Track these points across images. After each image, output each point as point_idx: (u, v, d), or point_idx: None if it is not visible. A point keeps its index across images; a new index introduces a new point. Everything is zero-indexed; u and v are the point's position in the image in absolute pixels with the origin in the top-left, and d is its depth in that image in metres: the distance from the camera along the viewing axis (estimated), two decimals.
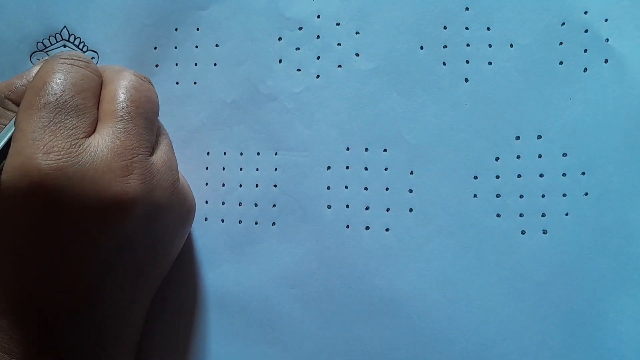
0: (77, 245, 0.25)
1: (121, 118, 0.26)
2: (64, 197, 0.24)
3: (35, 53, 0.34)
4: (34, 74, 0.27)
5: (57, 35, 0.34)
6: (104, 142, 0.25)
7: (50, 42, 0.34)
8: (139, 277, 0.28)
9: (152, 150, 0.28)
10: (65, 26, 0.34)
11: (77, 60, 0.27)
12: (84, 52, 0.34)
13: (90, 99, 0.26)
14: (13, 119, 0.26)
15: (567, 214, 0.30)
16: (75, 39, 0.34)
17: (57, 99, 0.25)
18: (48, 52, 0.34)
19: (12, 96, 0.27)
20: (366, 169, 0.31)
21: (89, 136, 0.25)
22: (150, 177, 0.26)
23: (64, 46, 0.34)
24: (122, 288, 0.27)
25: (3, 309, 0.25)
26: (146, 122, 0.27)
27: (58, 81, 0.25)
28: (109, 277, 0.26)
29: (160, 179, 0.27)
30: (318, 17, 0.32)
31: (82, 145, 0.24)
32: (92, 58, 0.34)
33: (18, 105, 0.27)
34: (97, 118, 0.26)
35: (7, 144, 0.25)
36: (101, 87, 0.28)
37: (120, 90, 0.27)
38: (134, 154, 0.26)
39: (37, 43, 0.34)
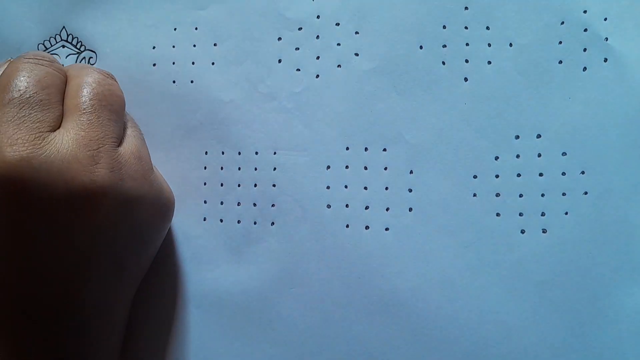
0: (50, 239, 0.25)
1: (84, 111, 0.27)
2: (31, 188, 0.24)
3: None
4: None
5: (57, 36, 0.34)
6: (68, 135, 0.26)
7: (51, 44, 0.34)
8: (118, 272, 0.28)
9: (120, 142, 0.28)
10: (64, 27, 0.34)
11: (40, 59, 0.27)
12: (82, 52, 0.34)
13: (55, 94, 0.27)
14: None
15: (566, 213, 0.30)
16: (73, 39, 0.34)
17: (20, 95, 0.25)
18: (48, 53, 0.34)
19: None
20: (366, 168, 0.31)
21: (54, 130, 0.26)
22: (118, 167, 0.26)
23: (63, 47, 0.34)
24: (103, 283, 0.27)
25: None
26: (110, 114, 0.28)
27: (22, 78, 0.26)
28: (87, 272, 0.26)
29: (129, 169, 0.27)
30: (318, 17, 0.32)
31: (47, 138, 0.25)
32: (90, 58, 0.34)
33: None
34: (62, 114, 0.27)
35: None
36: (65, 85, 0.28)
37: (83, 85, 0.28)
38: (100, 144, 0.26)
39: (38, 45, 0.34)
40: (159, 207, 0.30)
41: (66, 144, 0.25)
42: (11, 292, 0.25)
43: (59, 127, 0.26)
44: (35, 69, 0.27)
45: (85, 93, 0.27)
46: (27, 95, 0.26)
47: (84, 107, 0.27)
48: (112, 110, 0.28)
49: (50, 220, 0.24)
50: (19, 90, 0.26)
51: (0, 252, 0.25)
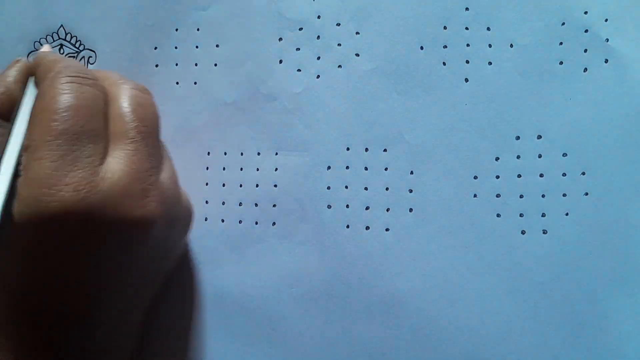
0: (92, 269, 0.24)
1: (132, 139, 0.26)
2: (86, 227, 0.23)
3: (33, 53, 0.34)
4: (10, 80, 0.27)
5: (55, 34, 0.34)
6: (119, 167, 0.25)
7: (48, 42, 0.34)
8: (142, 287, 0.28)
9: (160, 167, 0.28)
10: (62, 25, 0.34)
11: (84, 77, 0.26)
12: (81, 52, 0.34)
13: (102, 121, 0.26)
14: (21, 139, 0.25)
15: (567, 214, 0.30)
16: (72, 37, 0.34)
17: (72, 126, 0.24)
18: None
19: None
20: (366, 169, 0.31)
21: (104, 161, 0.25)
22: (163, 197, 0.26)
23: (61, 45, 0.34)
24: (127, 298, 0.27)
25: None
26: (154, 139, 0.27)
27: (69, 105, 0.24)
28: (114, 291, 0.26)
29: (169, 195, 0.27)
30: (318, 17, 0.32)
31: (100, 173, 0.24)
32: (90, 57, 0.34)
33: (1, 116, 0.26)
34: (109, 140, 0.26)
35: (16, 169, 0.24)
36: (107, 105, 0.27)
37: (127, 108, 0.27)
38: (149, 175, 0.26)
39: (35, 43, 0.34)
40: (187, 223, 0.30)
41: (119, 177, 0.24)
42: (31, 308, 0.25)
43: (107, 153, 0.25)
44: (81, 90, 0.25)
45: (131, 119, 0.26)
46: (80, 125, 0.24)
47: (131, 134, 0.26)
48: (155, 136, 0.27)
49: (98, 255, 0.24)
50: (69, 119, 0.24)
51: (35, 284, 0.24)
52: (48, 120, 0.24)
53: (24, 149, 0.24)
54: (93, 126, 0.25)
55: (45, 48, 0.32)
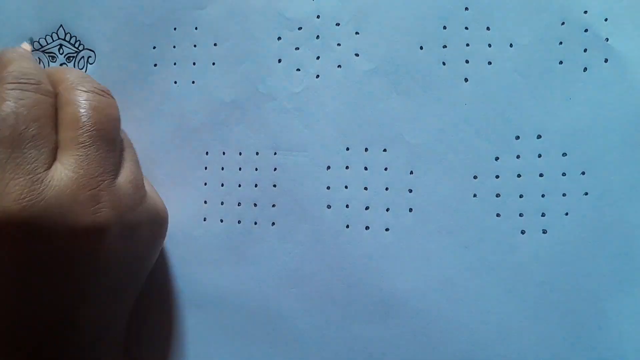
0: (50, 276, 0.24)
1: (82, 144, 0.25)
2: (32, 235, 0.23)
3: (32, 52, 0.34)
4: None
5: (54, 34, 0.34)
6: (66, 174, 0.24)
7: (47, 42, 0.34)
8: (117, 293, 0.28)
9: (117, 171, 0.27)
10: (61, 25, 0.34)
11: (25, 82, 0.25)
12: (81, 51, 0.34)
13: (47, 125, 0.25)
14: None
15: (567, 214, 0.30)
16: (71, 37, 0.34)
17: (11, 132, 0.23)
18: (45, 52, 0.34)
19: None
20: (366, 169, 0.31)
21: (50, 167, 0.24)
22: (117, 202, 0.25)
23: (61, 45, 0.34)
24: (102, 306, 0.27)
25: None
26: (108, 143, 0.26)
27: (8, 111, 0.24)
28: (87, 300, 0.26)
29: (127, 200, 0.26)
30: (318, 17, 0.32)
31: (45, 180, 0.24)
32: (89, 57, 0.34)
33: None
34: (56, 145, 0.25)
35: None
36: (56, 107, 0.26)
37: (80, 112, 0.26)
38: (99, 181, 0.25)
39: (34, 42, 0.34)
40: (156, 227, 0.29)
41: (65, 185, 0.24)
42: (7, 319, 0.24)
43: (54, 160, 0.25)
44: (22, 96, 0.24)
45: (83, 123, 0.26)
46: (19, 132, 0.24)
47: (82, 139, 0.25)
48: (110, 139, 0.26)
49: (51, 259, 0.24)
50: (9, 126, 0.23)
51: (3, 293, 0.24)
52: None
53: None
54: (35, 132, 0.24)
55: (25, 47, 0.31)
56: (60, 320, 0.25)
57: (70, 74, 0.28)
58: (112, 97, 0.28)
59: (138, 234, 0.27)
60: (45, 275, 0.24)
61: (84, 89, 0.27)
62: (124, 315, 0.30)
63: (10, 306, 0.24)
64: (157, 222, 0.29)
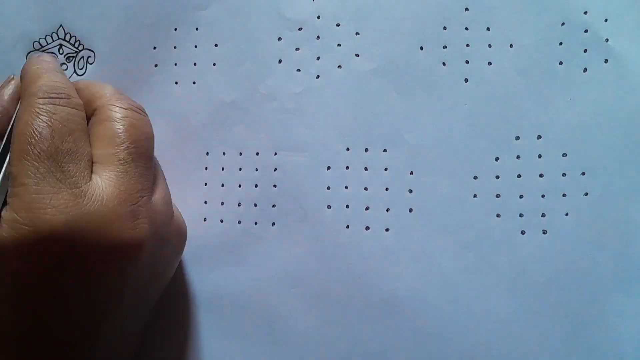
0: (83, 292, 0.24)
1: (122, 161, 0.26)
2: (75, 249, 0.23)
3: (32, 52, 0.34)
4: (6, 99, 0.27)
5: (54, 34, 0.34)
6: (108, 188, 0.25)
7: (47, 42, 0.34)
8: (139, 306, 0.28)
9: (153, 188, 0.27)
10: (61, 25, 0.34)
11: (57, 97, 0.25)
12: (81, 51, 0.34)
13: (81, 138, 0.25)
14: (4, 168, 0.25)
15: (567, 214, 0.30)
16: (71, 37, 0.34)
17: (49, 146, 0.24)
18: (45, 52, 0.34)
19: None
20: (366, 169, 0.31)
21: (90, 180, 0.25)
22: (154, 218, 0.26)
23: (61, 45, 0.34)
24: (124, 321, 0.27)
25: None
26: (146, 160, 0.27)
27: (43, 125, 0.24)
28: (115, 313, 0.26)
29: (161, 216, 0.27)
30: (318, 17, 0.32)
31: (87, 193, 0.24)
32: (89, 57, 0.34)
33: None
34: (91, 157, 0.26)
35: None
36: (88, 120, 0.27)
37: (119, 130, 0.26)
38: (139, 197, 0.25)
39: (34, 42, 0.34)
40: (180, 242, 0.30)
41: (107, 199, 0.24)
42: (33, 332, 0.24)
43: (91, 172, 0.25)
44: (55, 111, 0.25)
45: (122, 140, 0.26)
46: (56, 146, 0.24)
47: (122, 156, 0.26)
48: (147, 157, 0.27)
49: (87, 275, 0.24)
50: (45, 140, 0.24)
51: (29, 305, 0.24)
52: (23, 144, 0.24)
53: (7, 175, 0.24)
54: (71, 145, 0.25)
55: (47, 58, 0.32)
56: (85, 335, 0.25)
57: (106, 89, 0.28)
58: (147, 114, 0.29)
59: (166, 249, 0.28)
60: (80, 289, 0.24)
61: (122, 106, 0.27)
62: (140, 327, 0.30)
63: (38, 318, 0.24)
64: (181, 237, 0.30)
